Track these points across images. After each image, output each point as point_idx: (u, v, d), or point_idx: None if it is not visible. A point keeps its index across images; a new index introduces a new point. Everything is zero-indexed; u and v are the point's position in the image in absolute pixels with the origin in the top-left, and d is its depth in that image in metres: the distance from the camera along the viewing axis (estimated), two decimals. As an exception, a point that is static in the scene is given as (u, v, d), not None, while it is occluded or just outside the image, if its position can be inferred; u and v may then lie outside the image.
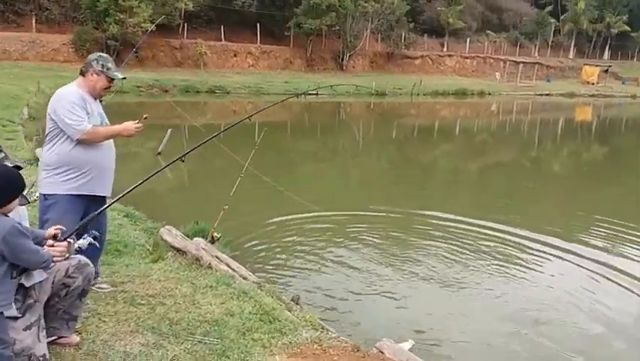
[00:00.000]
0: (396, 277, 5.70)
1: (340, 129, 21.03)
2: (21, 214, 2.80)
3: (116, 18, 26.70)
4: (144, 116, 3.66)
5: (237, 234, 6.30)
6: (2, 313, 2.42)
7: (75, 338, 3.03)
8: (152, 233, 5.55)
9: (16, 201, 2.51)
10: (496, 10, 52.26)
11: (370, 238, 6.87)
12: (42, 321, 2.71)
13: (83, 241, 2.80)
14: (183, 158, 3.54)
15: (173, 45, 31.76)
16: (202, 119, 17.16)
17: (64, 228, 2.76)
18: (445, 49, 45.87)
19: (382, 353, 3.56)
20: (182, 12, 31.36)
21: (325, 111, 25.85)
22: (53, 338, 2.94)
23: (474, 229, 7.39)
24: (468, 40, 46.76)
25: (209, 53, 31.94)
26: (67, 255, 2.69)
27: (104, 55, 3.67)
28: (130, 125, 3.60)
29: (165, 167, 3.50)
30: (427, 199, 9.58)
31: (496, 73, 43.19)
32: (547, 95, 39.58)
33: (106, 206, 3.37)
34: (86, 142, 3.49)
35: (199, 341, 3.29)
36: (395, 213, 8.09)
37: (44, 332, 2.72)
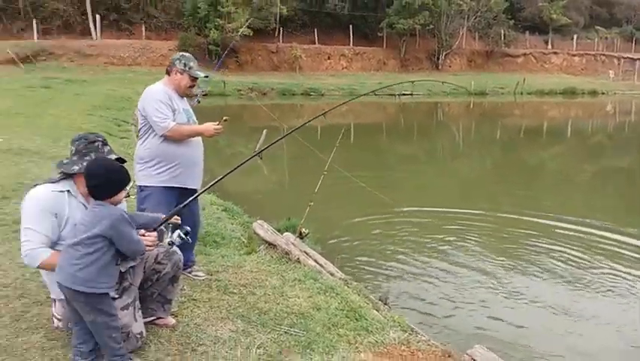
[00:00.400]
0: (493, 283, 5.41)
1: (438, 130, 20.40)
2: (121, 206, 3.01)
3: (216, 24, 28.08)
4: (224, 118, 3.76)
5: (325, 230, 6.34)
6: (108, 293, 2.60)
7: (171, 320, 3.20)
8: (248, 227, 5.75)
9: (124, 192, 2.69)
10: (605, 4, 48.35)
11: (465, 240, 6.60)
12: (137, 302, 2.89)
13: (175, 235, 2.91)
14: (261, 155, 3.59)
15: (269, 49, 32.88)
16: (298, 120, 17.51)
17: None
18: (549, 46, 43.21)
19: (474, 360, 3.39)
20: (278, 17, 32.35)
21: (421, 112, 25.34)
22: (152, 318, 3.12)
23: (587, 235, 6.83)
24: (575, 36, 43.69)
25: (304, 57, 32.66)
26: (157, 243, 2.83)
27: (187, 54, 3.80)
28: (210, 126, 3.72)
29: (242, 164, 3.48)
30: (532, 201, 8.93)
31: (610, 71, 39.92)
32: (669, 94, 35.90)
33: (193, 197, 3.44)
34: (171, 138, 3.65)
35: (285, 332, 3.33)
36: (491, 214, 7.70)
37: (140, 312, 2.89)
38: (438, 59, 37.32)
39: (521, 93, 30.60)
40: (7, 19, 29.63)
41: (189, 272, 3.99)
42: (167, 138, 3.65)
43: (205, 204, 6.19)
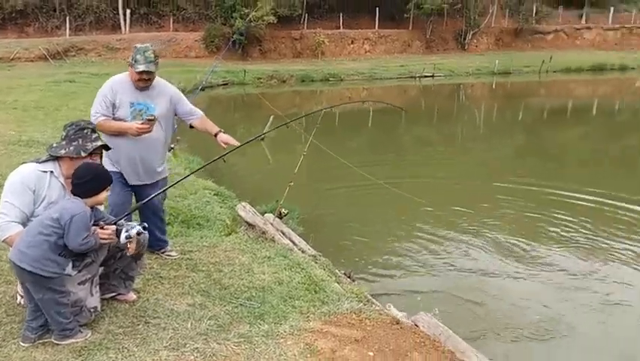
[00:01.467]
0: (457, 253, 5.61)
1: (458, 113, 20.11)
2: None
3: (241, 13, 28.31)
4: (150, 116, 3.66)
5: (309, 209, 6.58)
6: (52, 277, 2.81)
7: (132, 296, 3.48)
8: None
9: (104, 193, 2.98)
10: (648, -28, 46.12)
11: (441, 215, 6.82)
12: (96, 278, 3.18)
13: (133, 231, 3.10)
14: (224, 158, 3.84)
15: (293, 36, 32.93)
16: (314, 107, 17.62)
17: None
18: (583, 21, 41.66)
19: (417, 325, 3.57)
20: (304, 3, 32.33)
21: (442, 94, 25.03)
22: (113, 294, 3.42)
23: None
24: (612, 9, 41.93)
25: (327, 42, 32.58)
26: (114, 238, 3.05)
27: (141, 46, 3.72)
28: (132, 126, 3.64)
29: (204, 166, 3.77)
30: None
31: (644, 44, 38.25)
32: None
33: (150, 198, 3.63)
34: (103, 133, 3.63)
35: (241, 305, 3.59)
36: (473, 185, 7.79)
37: (97, 287, 3.18)
38: (464, 39, 36.57)
39: (546, 72, 29.73)
40: (43, 17, 30.69)
41: (162, 252, 4.28)
42: (109, 134, 3.68)
43: (197, 188, 6.49)
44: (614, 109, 19.93)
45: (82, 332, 2.99)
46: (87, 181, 2.89)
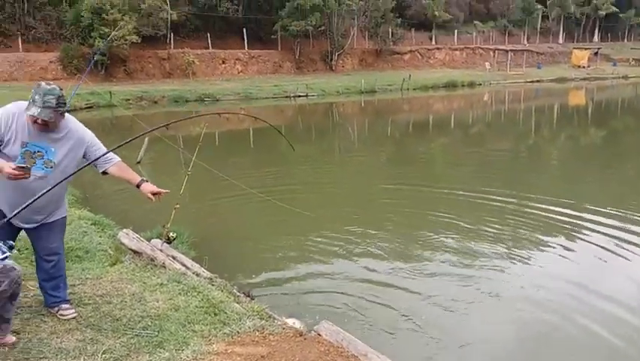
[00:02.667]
0: (345, 258, 5.95)
1: (334, 129, 20.94)
2: None
3: (101, 32, 26.85)
4: (24, 165, 3.11)
5: (198, 231, 6.43)
6: None
7: (11, 338, 3.13)
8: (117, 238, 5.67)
9: None
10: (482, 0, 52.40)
11: (326, 223, 7.14)
12: None
13: None
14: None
15: (160, 56, 31.97)
16: (191, 127, 17.21)
17: None
18: (433, 42, 45.94)
19: (320, 335, 3.65)
20: (169, 22, 31.55)
21: (318, 112, 25.91)
22: None
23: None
24: (456, 32, 46.82)
25: (197, 62, 32.11)
26: None
27: (45, 87, 3.14)
28: (6, 167, 3.05)
29: (68, 177, 3.36)
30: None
31: (486, 63, 43.16)
32: (537, 81, 39.53)
33: (4, 220, 3.11)
34: None
35: (136, 335, 3.39)
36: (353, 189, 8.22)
37: None
38: (331, 60, 38.29)
39: (407, 89, 32.25)
40: None
41: (56, 310, 3.64)
42: None
43: (72, 218, 5.99)
44: (468, 121, 22.13)
45: None
46: None
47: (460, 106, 29.09)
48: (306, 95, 28.69)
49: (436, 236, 6.76)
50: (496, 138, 17.76)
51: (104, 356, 3.10)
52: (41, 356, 3.04)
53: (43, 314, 3.57)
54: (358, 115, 25.08)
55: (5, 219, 3.09)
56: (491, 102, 29.91)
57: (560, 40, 53.52)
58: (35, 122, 3.15)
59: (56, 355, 3.07)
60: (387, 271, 5.66)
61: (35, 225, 3.48)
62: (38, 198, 2.98)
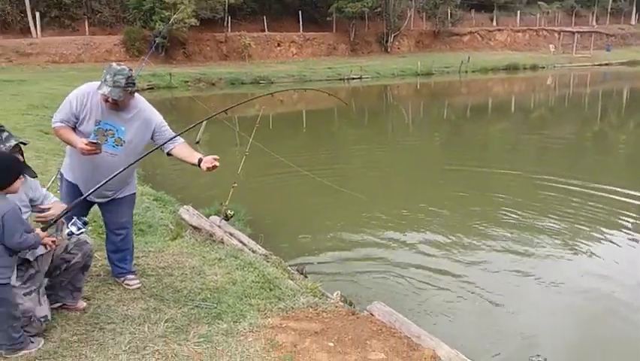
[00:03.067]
0: (399, 241, 5.90)
1: (388, 112, 20.72)
2: (32, 186, 3.10)
3: (162, 16, 27.58)
4: (96, 141, 3.29)
5: (255, 209, 6.57)
6: (7, 284, 2.69)
7: (82, 304, 3.34)
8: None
9: (19, 182, 2.72)
10: (548, -22, 49.83)
11: (381, 206, 7.07)
12: (43, 288, 3.02)
13: (74, 228, 3.01)
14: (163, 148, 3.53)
15: (218, 39, 32.52)
16: (246, 109, 17.51)
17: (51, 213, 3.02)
18: (494, 23, 44.28)
19: (372, 315, 3.68)
20: (226, 6, 31.99)
21: (372, 95, 25.67)
22: (59, 304, 3.26)
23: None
24: (519, 12, 44.90)
25: (253, 45, 32.47)
26: (56, 243, 2.96)
27: (116, 67, 3.28)
28: (80, 143, 3.26)
29: (140, 158, 3.53)
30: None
31: (550, 45, 41.28)
32: (606, 64, 37.48)
33: (82, 198, 3.31)
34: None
35: (196, 306, 3.53)
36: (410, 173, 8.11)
37: (45, 297, 3.02)
38: (387, 41, 37.70)
39: (466, 71, 31.33)
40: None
41: (122, 281, 3.83)
42: None
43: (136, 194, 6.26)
44: (529, 105, 21.29)
45: (33, 343, 2.85)
46: None
47: (521, 89, 28.02)
48: (360, 78, 28.46)
49: (494, 221, 6.62)
50: (559, 122, 17.00)
51: (166, 324, 3.26)
52: (109, 321, 3.23)
53: (110, 283, 3.77)
54: (413, 97, 24.67)
55: (82, 197, 3.28)
56: (555, 86, 28.62)
57: (633, 22, 50.22)
58: (107, 100, 3.30)
59: (123, 321, 3.25)
60: (443, 255, 5.60)
61: (106, 200, 3.67)
62: (114, 177, 3.19)
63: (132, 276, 3.83)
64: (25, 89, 17.15)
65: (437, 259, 5.52)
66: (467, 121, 17.55)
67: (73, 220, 3.03)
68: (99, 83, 3.30)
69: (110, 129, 3.42)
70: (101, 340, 3.01)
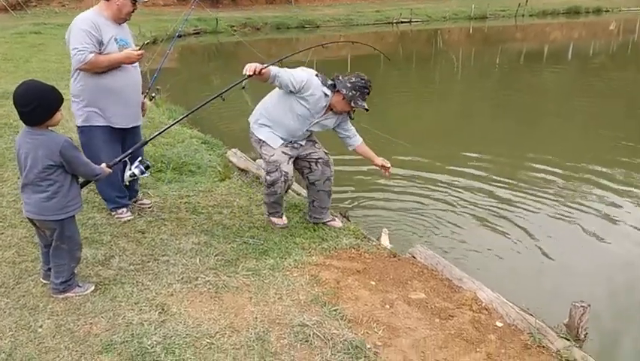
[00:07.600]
0: (450, 198, 5.80)
1: (437, 58, 20.04)
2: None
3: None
4: (144, 43, 3.69)
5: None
6: (74, 217, 2.79)
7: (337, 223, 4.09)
8: (225, 157, 6.03)
9: (59, 114, 2.64)
10: None
11: (426, 153, 6.99)
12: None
13: (137, 170, 3.20)
14: (223, 96, 3.70)
15: (265, -19, 31.99)
16: (295, 56, 17.30)
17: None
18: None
19: (414, 257, 3.74)
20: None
21: (420, 40, 24.85)
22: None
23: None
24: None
25: (301, -13, 31.80)
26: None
27: None
28: (131, 53, 3.51)
29: (204, 104, 3.65)
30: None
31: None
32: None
33: (145, 142, 3.58)
34: (88, 72, 3.45)
35: (244, 242, 3.69)
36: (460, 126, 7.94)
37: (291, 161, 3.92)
38: (440, -18, 35.94)
39: (523, 15, 29.67)
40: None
41: (134, 202, 4.11)
42: (87, 72, 3.45)
43: (184, 137, 6.47)
44: (589, 52, 20.12)
45: (80, 287, 2.91)
46: (35, 108, 2.53)
47: (581, 35, 26.39)
48: (410, 21, 27.53)
49: (545, 171, 6.44)
50: (620, 70, 16.05)
51: (216, 257, 3.43)
52: (163, 254, 3.43)
53: (164, 219, 3.98)
54: (465, 43, 23.71)
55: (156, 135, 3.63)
56: (618, 32, 26.79)
57: None
58: (132, 12, 3.59)
59: (176, 253, 3.44)
60: (492, 205, 5.52)
61: (137, 124, 3.88)
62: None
63: (140, 195, 4.23)
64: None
65: (485, 209, 5.43)
66: (521, 68, 16.80)
67: (136, 163, 3.19)
68: (88, 12, 3.52)
69: (124, 45, 3.59)
70: (156, 270, 3.22)
